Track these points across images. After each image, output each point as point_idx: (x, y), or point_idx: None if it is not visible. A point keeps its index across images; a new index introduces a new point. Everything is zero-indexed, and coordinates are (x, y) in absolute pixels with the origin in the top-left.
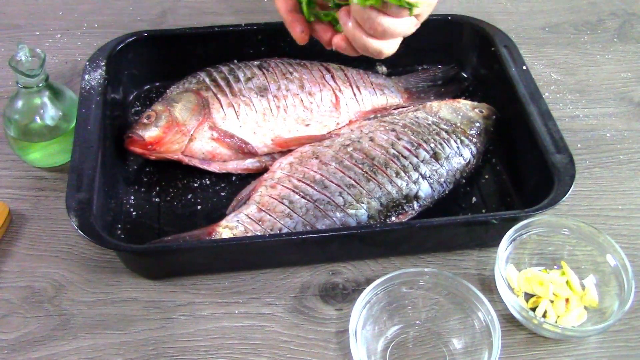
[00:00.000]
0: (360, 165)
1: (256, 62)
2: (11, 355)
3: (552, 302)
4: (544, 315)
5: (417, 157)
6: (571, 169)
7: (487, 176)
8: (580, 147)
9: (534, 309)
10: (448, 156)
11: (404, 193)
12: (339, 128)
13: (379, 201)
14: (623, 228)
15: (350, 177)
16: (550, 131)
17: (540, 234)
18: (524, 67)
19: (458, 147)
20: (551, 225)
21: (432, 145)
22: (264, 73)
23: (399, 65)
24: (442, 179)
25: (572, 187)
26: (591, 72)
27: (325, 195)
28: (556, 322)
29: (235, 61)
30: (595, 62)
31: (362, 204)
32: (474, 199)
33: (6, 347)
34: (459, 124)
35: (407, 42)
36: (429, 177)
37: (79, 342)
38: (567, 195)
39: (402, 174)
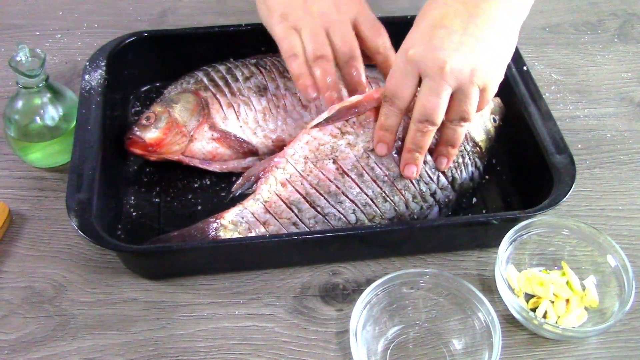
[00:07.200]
0: (380, 184)
1: (252, 60)
2: (11, 355)
3: (552, 302)
4: (545, 316)
5: (437, 183)
6: (571, 170)
7: (487, 176)
8: (580, 147)
9: (534, 310)
10: (462, 183)
11: (415, 216)
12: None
13: (390, 222)
14: (623, 228)
15: (367, 195)
16: (550, 131)
17: (540, 234)
18: (524, 68)
19: (472, 172)
20: (551, 226)
21: (453, 170)
22: (261, 72)
23: None
24: (451, 203)
25: (573, 187)
26: (591, 72)
27: (337, 210)
28: (556, 322)
29: (231, 59)
30: (595, 62)
31: (373, 224)
32: (474, 199)
33: (6, 347)
34: (477, 141)
35: None
36: (441, 202)
37: (79, 343)
38: (567, 196)
39: (419, 198)
